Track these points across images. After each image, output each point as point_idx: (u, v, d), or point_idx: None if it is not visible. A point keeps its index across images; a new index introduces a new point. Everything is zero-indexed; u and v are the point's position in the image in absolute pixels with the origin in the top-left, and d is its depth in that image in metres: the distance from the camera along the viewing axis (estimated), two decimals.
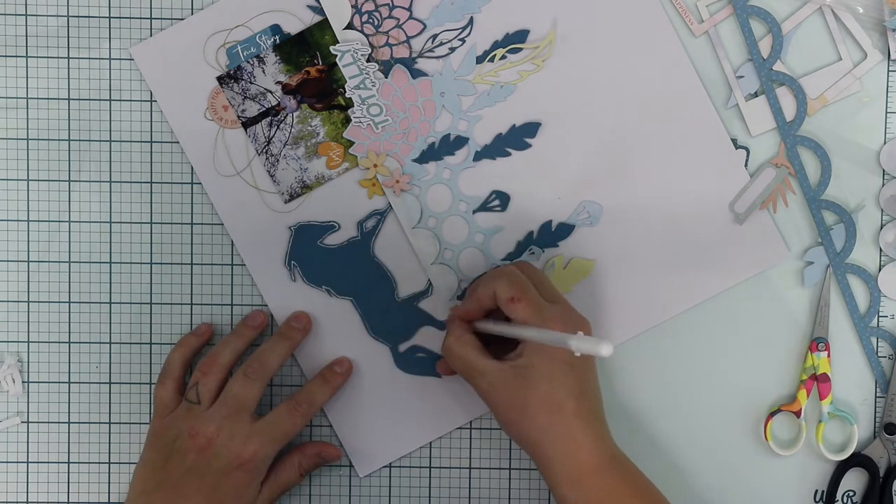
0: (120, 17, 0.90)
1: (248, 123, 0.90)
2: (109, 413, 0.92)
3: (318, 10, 0.89)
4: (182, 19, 0.90)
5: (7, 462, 0.92)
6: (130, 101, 0.91)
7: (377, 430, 0.92)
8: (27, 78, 0.90)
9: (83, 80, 0.91)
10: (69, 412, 0.92)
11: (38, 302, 0.91)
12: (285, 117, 0.90)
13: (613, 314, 0.91)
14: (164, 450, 0.85)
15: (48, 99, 0.91)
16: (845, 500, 0.92)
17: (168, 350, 0.91)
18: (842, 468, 0.92)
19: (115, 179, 0.91)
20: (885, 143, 0.91)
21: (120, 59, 0.90)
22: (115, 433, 0.92)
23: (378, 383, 0.92)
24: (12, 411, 0.92)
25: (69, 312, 0.92)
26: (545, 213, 0.91)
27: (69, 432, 0.92)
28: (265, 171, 0.90)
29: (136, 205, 0.91)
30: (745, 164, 0.91)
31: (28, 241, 0.91)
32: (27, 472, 0.92)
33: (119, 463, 0.92)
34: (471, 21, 0.90)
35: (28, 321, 0.92)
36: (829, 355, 0.91)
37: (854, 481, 0.92)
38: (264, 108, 0.90)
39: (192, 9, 0.90)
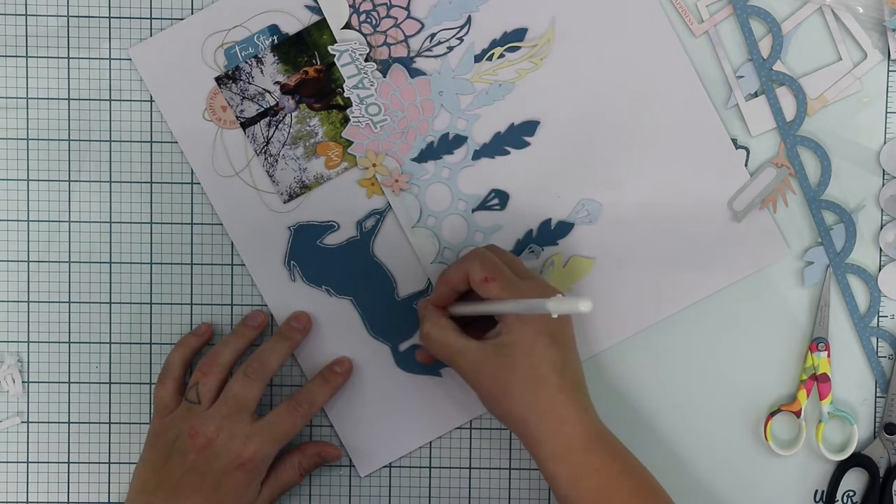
0: (120, 18, 0.91)
1: (246, 124, 0.90)
2: (109, 413, 0.92)
3: (316, 9, 0.90)
4: (182, 19, 0.90)
5: (7, 462, 0.92)
6: (130, 101, 0.91)
7: (377, 430, 0.92)
8: (27, 78, 0.91)
9: (83, 80, 0.91)
10: (69, 412, 0.92)
11: (38, 302, 0.92)
12: (284, 117, 0.90)
13: (613, 312, 0.91)
14: (165, 450, 0.85)
15: (48, 99, 0.91)
16: (845, 500, 0.92)
17: (168, 350, 0.91)
18: (842, 468, 0.91)
19: (115, 179, 0.91)
20: (885, 143, 0.91)
21: (120, 59, 0.91)
22: (115, 433, 0.92)
23: (378, 383, 0.92)
24: (12, 411, 0.92)
25: (69, 312, 0.92)
26: (544, 212, 0.91)
27: (69, 432, 0.92)
28: (264, 171, 0.90)
29: (136, 205, 0.91)
30: (745, 164, 0.91)
31: (28, 241, 0.91)
32: (27, 472, 0.92)
33: (119, 463, 0.93)
34: (469, 20, 0.90)
35: (28, 321, 0.92)
36: (829, 355, 0.91)
37: (854, 481, 0.92)
38: (263, 109, 0.90)
39: (191, 9, 0.90)
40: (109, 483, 0.93)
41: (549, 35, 0.90)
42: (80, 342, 0.92)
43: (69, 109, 0.91)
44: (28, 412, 0.92)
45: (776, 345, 0.92)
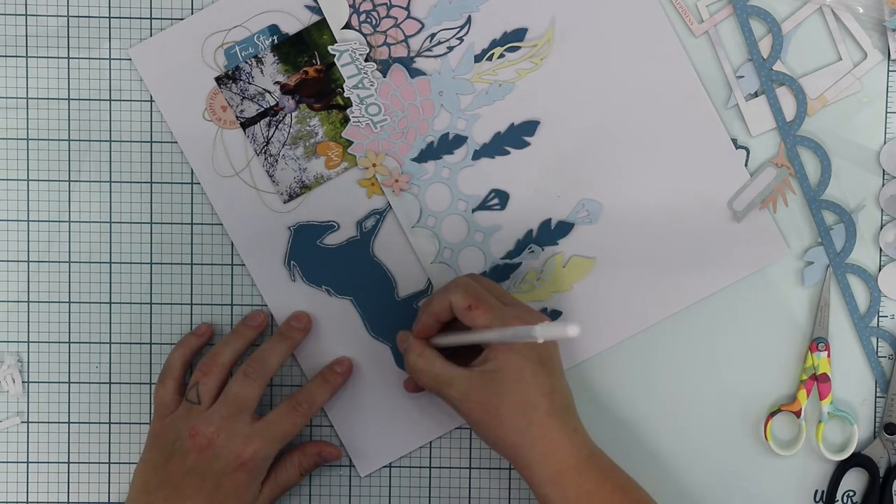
0: (120, 18, 0.91)
1: (246, 124, 0.90)
2: (109, 413, 0.92)
3: (316, 9, 0.90)
4: (182, 19, 0.90)
5: (7, 462, 0.92)
6: (130, 101, 0.91)
7: (377, 430, 0.92)
8: (27, 78, 0.91)
9: (83, 81, 0.91)
10: (69, 412, 0.92)
11: (38, 302, 0.92)
12: (284, 117, 0.90)
13: (613, 312, 0.91)
14: (165, 450, 0.85)
15: (48, 99, 0.91)
16: (845, 500, 0.92)
17: (168, 350, 0.91)
18: (842, 468, 0.91)
19: (115, 179, 0.91)
20: (885, 143, 0.91)
21: (120, 59, 0.91)
22: (115, 433, 0.92)
23: (378, 383, 0.92)
24: (12, 411, 0.92)
25: (69, 312, 0.92)
26: (544, 212, 0.91)
27: (69, 432, 0.92)
28: (264, 171, 0.90)
29: (136, 205, 0.91)
30: (745, 164, 0.91)
31: (28, 241, 0.91)
32: (27, 472, 0.92)
33: (119, 463, 0.93)
34: (469, 20, 0.90)
35: (28, 321, 0.92)
36: (829, 355, 0.91)
37: (854, 481, 0.92)
38: (263, 109, 0.90)
39: (191, 9, 0.90)
40: (109, 483, 0.93)
41: (549, 35, 0.90)
42: (80, 342, 0.92)
43: (69, 109, 0.91)
44: (28, 412, 0.92)
45: (776, 345, 0.92)
